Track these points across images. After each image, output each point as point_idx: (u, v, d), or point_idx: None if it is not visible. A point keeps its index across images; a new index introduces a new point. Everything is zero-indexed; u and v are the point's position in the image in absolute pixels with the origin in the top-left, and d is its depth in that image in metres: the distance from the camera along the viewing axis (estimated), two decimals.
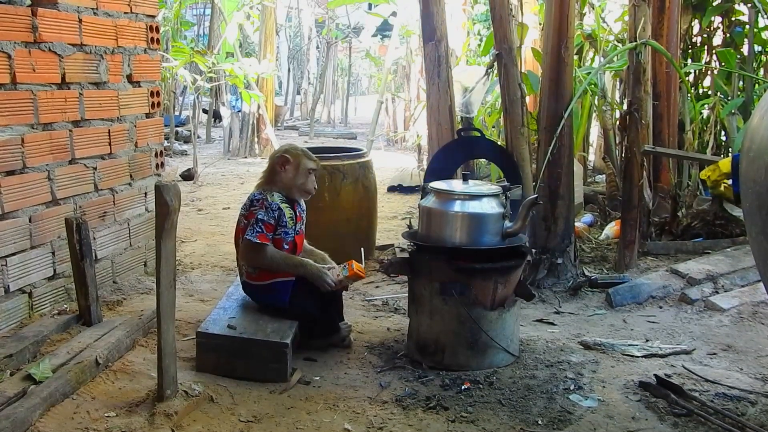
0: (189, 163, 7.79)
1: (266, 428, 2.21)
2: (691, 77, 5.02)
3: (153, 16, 3.65)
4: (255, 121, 9.31)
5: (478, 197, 2.65)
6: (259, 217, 2.70)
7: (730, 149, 4.59)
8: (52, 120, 2.97)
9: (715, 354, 2.82)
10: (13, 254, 2.79)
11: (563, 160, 3.62)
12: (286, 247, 2.77)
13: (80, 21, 3.11)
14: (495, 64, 3.69)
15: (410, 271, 2.75)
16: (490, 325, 2.63)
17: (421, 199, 2.80)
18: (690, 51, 4.97)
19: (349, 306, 3.41)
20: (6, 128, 2.73)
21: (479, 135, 3.60)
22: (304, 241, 2.95)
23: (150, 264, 3.67)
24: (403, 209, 5.93)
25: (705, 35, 4.97)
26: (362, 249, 2.86)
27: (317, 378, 2.57)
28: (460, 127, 4.11)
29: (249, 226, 2.71)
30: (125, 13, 3.42)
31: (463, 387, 2.48)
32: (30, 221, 2.87)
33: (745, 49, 4.80)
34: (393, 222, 5.37)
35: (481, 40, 7.14)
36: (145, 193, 3.64)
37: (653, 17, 4.01)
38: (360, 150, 4.46)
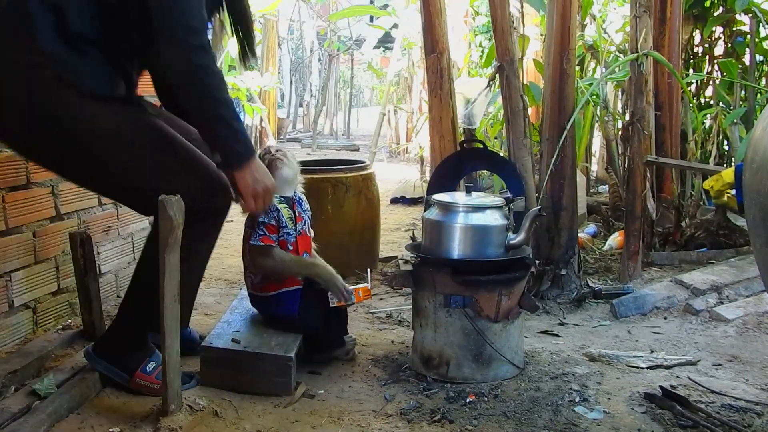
0: None
1: None
2: (693, 87, 5.02)
3: None
4: (258, 134, 9.33)
5: (482, 209, 2.65)
6: (260, 220, 2.66)
7: (732, 159, 4.59)
8: None
9: (720, 365, 2.81)
10: (18, 269, 2.79)
11: (566, 171, 3.62)
12: (290, 248, 2.73)
13: None
14: (497, 75, 3.69)
15: (414, 284, 2.75)
16: (495, 337, 2.63)
17: (424, 211, 2.80)
18: (691, 61, 4.97)
19: (353, 318, 3.40)
20: None
21: (482, 146, 3.60)
22: (314, 251, 2.94)
23: None
24: (406, 221, 5.93)
25: (706, 45, 4.97)
26: (369, 270, 2.84)
27: (321, 391, 2.57)
28: (462, 138, 4.11)
29: (252, 233, 2.70)
30: None
31: (468, 399, 2.48)
32: (34, 236, 2.87)
33: (746, 59, 4.81)
34: (396, 234, 5.37)
35: (482, 52, 7.15)
36: None
37: (654, 28, 4.01)
38: (363, 162, 4.46)
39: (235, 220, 5.80)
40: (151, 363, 2.45)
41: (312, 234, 2.89)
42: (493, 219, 2.64)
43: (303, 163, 3.05)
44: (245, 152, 2.32)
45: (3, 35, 2.15)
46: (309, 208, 2.89)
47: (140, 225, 3.59)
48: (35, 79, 2.15)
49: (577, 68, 4.89)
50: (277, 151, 2.80)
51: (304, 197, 2.87)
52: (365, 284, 2.78)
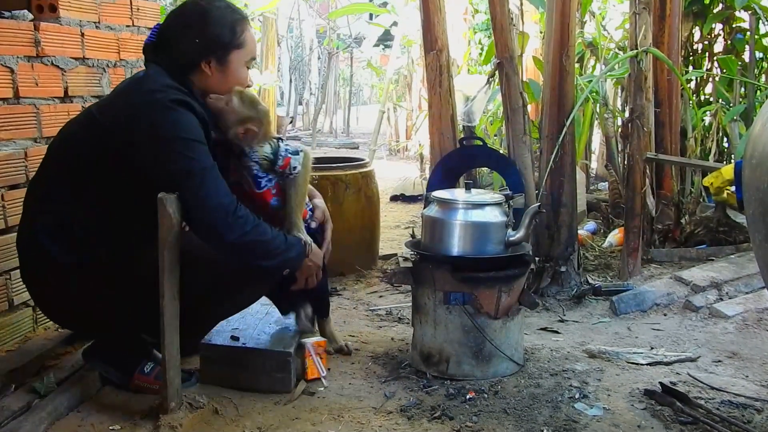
0: None
1: None
2: (692, 84, 5.02)
3: None
4: None
5: (481, 206, 2.65)
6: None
7: (732, 156, 4.59)
8: (55, 134, 2.97)
9: (720, 361, 2.82)
10: (17, 268, 2.78)
11: (566, 168, 3.62)
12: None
13: (82, 35, 3.12)
14: (496, 72, 3.69)
15: (414, 281, 2.75)
16: (495, 334, 2.63)
17: (424, 208, 2.80)
18: (691, 58, 4.97)
19: (353, 316, 3.42)
20: (9, 142, 2.74)
21: (481, 144, 3.60)
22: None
23: None
24: (405, 218, 5.93)
25: (706, 42, 4.97)
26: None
27: (321, 389, 2.57)
28: (462, 136, 4.11)
29: None
30: (127, 26, 3.43)
31: (467, 396, 2.48)
32: None
33: (746, 56, 4.81)
34: (396, 231, 5.37)
35: (482, 49, 7.14)
36: None
37: (654, 25, 4.01)
38: (362, 160, 4.46)
39: None
40: (149, 364, 2.45)
41: (267, 192, 2.44)
42: (493, 216, 2.64)
43: None
44: (298, 251, 2.42)
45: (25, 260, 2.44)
46: (258, 164, 2.41)
47: None
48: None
49: (577, 65, 4.88)
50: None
51: (258, 152, 2.41)
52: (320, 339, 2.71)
